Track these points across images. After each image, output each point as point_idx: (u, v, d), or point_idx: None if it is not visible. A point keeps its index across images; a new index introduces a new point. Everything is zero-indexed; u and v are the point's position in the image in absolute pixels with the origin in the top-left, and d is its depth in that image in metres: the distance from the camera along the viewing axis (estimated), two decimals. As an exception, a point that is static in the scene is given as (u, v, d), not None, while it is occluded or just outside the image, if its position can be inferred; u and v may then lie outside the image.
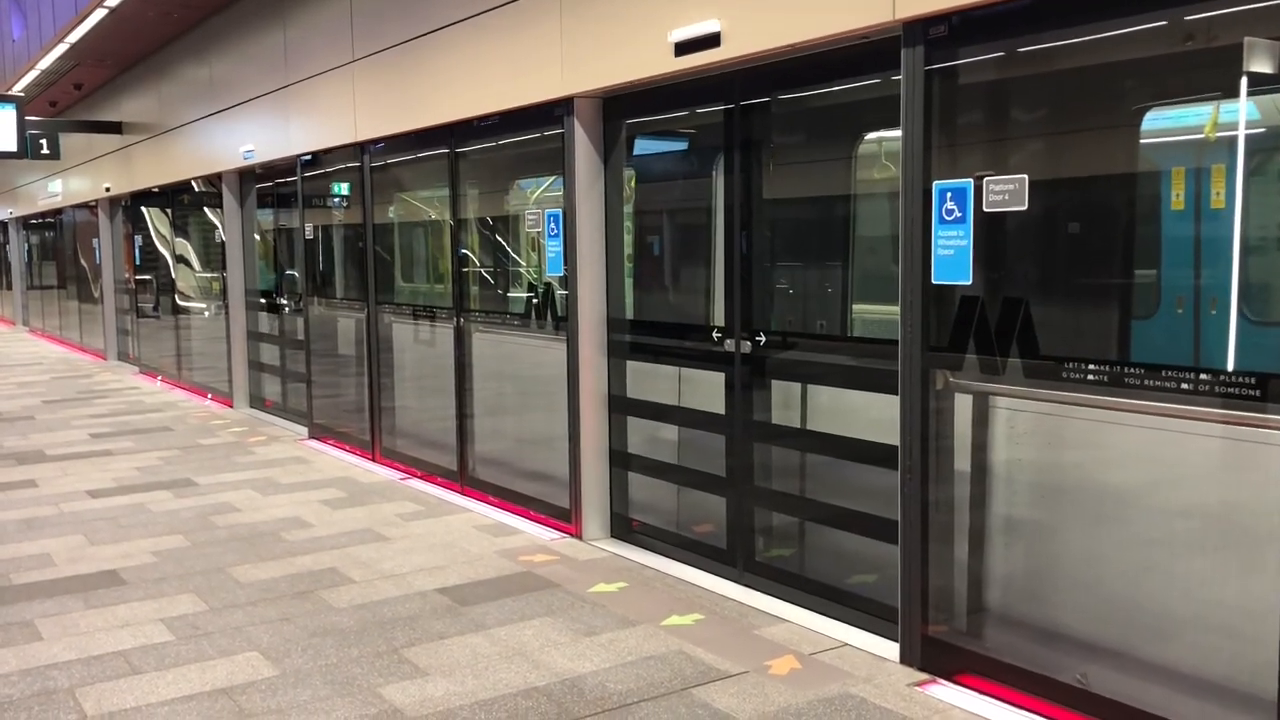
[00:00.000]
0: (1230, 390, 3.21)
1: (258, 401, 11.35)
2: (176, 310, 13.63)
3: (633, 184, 6.12)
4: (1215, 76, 3.52)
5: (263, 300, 11.05)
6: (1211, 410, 3.27)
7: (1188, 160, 3.81)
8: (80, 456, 8.79)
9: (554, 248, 6.19)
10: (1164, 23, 3.44)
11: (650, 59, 5.20)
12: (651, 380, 5.91)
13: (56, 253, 21.23)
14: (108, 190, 15.40)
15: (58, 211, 19.97)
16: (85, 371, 15.45)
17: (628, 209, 6.08)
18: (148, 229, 14.69)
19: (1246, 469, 3.37)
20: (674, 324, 5.87)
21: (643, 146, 6.12)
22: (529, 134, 6.51)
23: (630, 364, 5.99)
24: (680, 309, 6.10)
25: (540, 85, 5.99)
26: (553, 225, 6.18)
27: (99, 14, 10.72)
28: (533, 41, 6.02)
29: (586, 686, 4.08)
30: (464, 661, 4.34)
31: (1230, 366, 3.60)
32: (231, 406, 11.52)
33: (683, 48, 4.98)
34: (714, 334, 5.29)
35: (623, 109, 5.84)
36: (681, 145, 6.13)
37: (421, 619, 4.84)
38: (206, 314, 12.64)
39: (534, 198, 6.86)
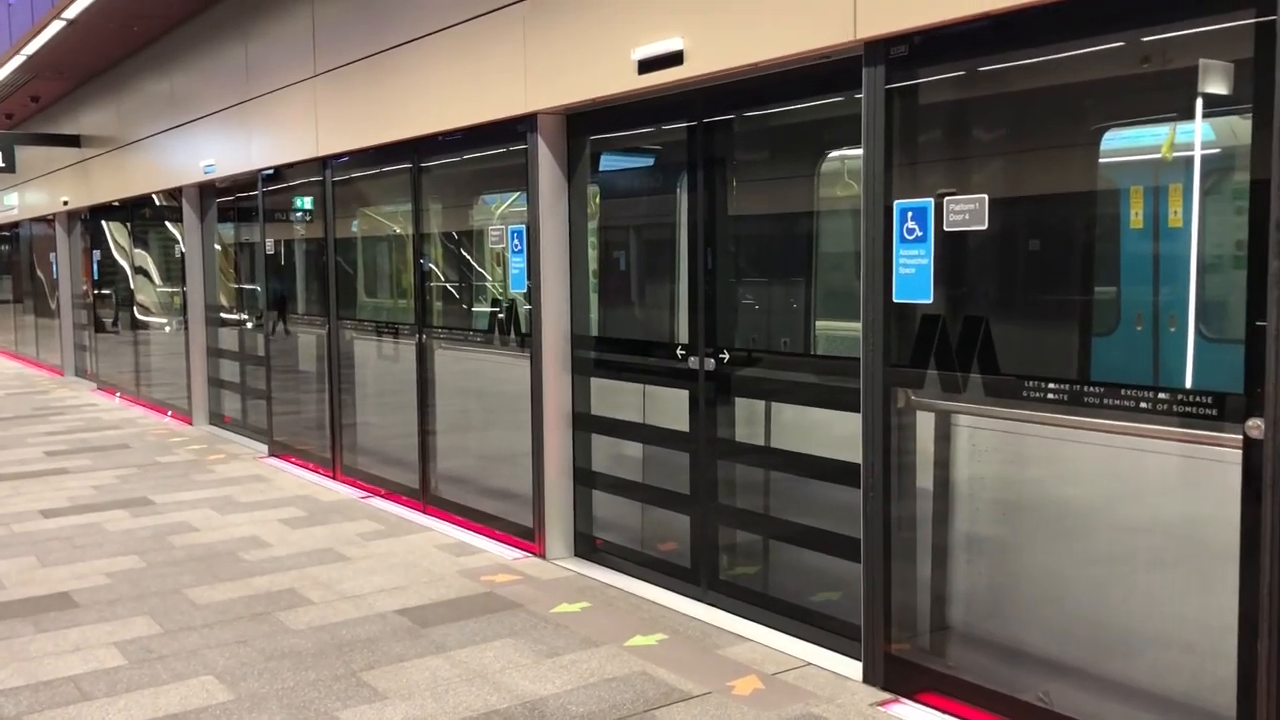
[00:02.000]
0: (1187, 409, 3.23)
1: (217, 418, 11.21)
2: (136, 325, 13.45)
3: (597, 200, 6.10)
4: (1172, 98, 3.56)
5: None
6: (1169, 429, 3.29)
7: (1146, 179, 3.85)
8: (34, 475, 8.63)
9: (518, 264, 6.16)
10: (1121, 44, 3.47)
11: (613, 77, 5.19)
12: (615, 397, 5.88)
13: (12, 266, 20.90)
14: (65, 204, 15.20)
15: (14, 225, 19.67)
16: (41, 388, 15.20)
17: (592, 225, 6.06)
18: (107, 243, 14.50)
19: (1204, 486, 3.39)
20: (638, 341, 5.85)
21: (607, 163, 6.11)
22: (493, 149, 6.48)
23: (594, 381, 5.96)
24: (645, 325, 6.08)
25: (504, 101, 5.97)
26: (516, 241, 6.15)
27: (56, 26, 10.58)
28: (496, 58, 6.00)
29: (548, 709, 4.03)
30: (423, 684, 4.28)
31: (1188, 384, 3.63)
32: (191, 424, 11.37)
33: (646, 65, 4.98)
34: (678, 351, 5.28)
35: (586, 125, 5.83)
36: (646, 162, 6.12)
37: (381, 641, 4.77)
38: (167, 329, 12.48)
39: (498, 213, 6.82)
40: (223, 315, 11.13)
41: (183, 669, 4.48)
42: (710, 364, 5.09)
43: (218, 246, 11.25)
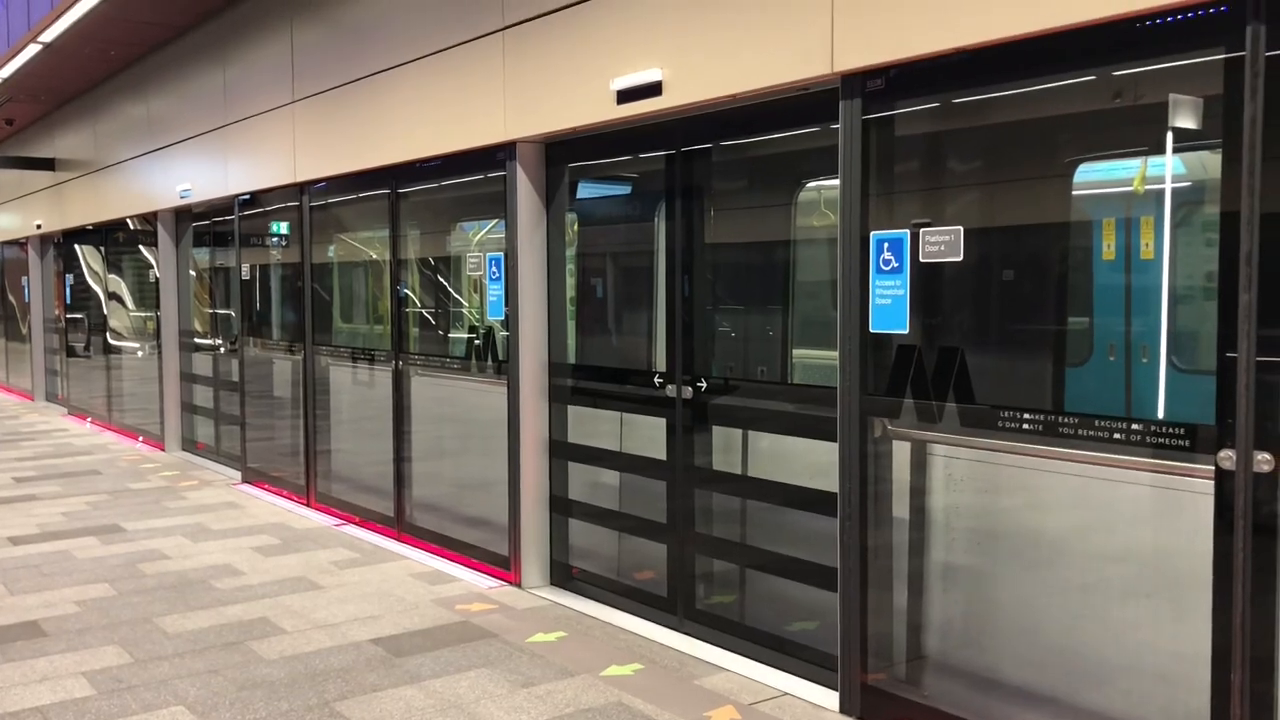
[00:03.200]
0: (1160, 440, 3.26)
1: (190, 444, 11.11)
2: (108, 350, 13.34)
3: (575, 228, 6.12)
4: (1143, 132, 3.61)
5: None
6: (1142, 460, 3.32)
7: (1118, 212, 3.90)
8: (2, 502, 8.51)
9: (495, 291, 6.16)
10: (1093, 78, 3.53)
11: (593, 106, 5.22)
12: (593, 425, 5.87)
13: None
14: (39, 227, 15.09)
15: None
16: (11, 413, 15.03)
17: (570, 252, 6.07)
18: (80, 267, 14.40)
19: (1177, 516, 3.41)
20: (616, 369, 5.85)
21: (585, 191, 6.13)
22: (471, 177, 6.49)
23: (572, 408, 5.95)
24: (622, 353, 6.08)
25: (483, 129, 5.99)
26: (494, 268, 6.15)
27: (33, 49, 10.54)
28: (476, 86, 6.02)
29: (523, 740, 4.00)
30: (397, 715, 4.23)
31: (1160, 414, 3.67)
32: (163, 449, 11.26)
33: (625, 96, 5.01)
34: (655, 379, 5.28)
35: (565, 154, 5.85)
36: (624, 190, 6.14)
37: (354, 671, 4.72)
38: (140, 354, 12.38)
39: (476, 240, 6.83)
40: (196, 340, 11.05)
41: (153, 699, 4.42)
42: (688, 392, 5.09)
43: (192, 271, 11.19)
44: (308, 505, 8.29)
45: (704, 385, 5.04)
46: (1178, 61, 3.29)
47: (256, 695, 4.45)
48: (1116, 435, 3.35)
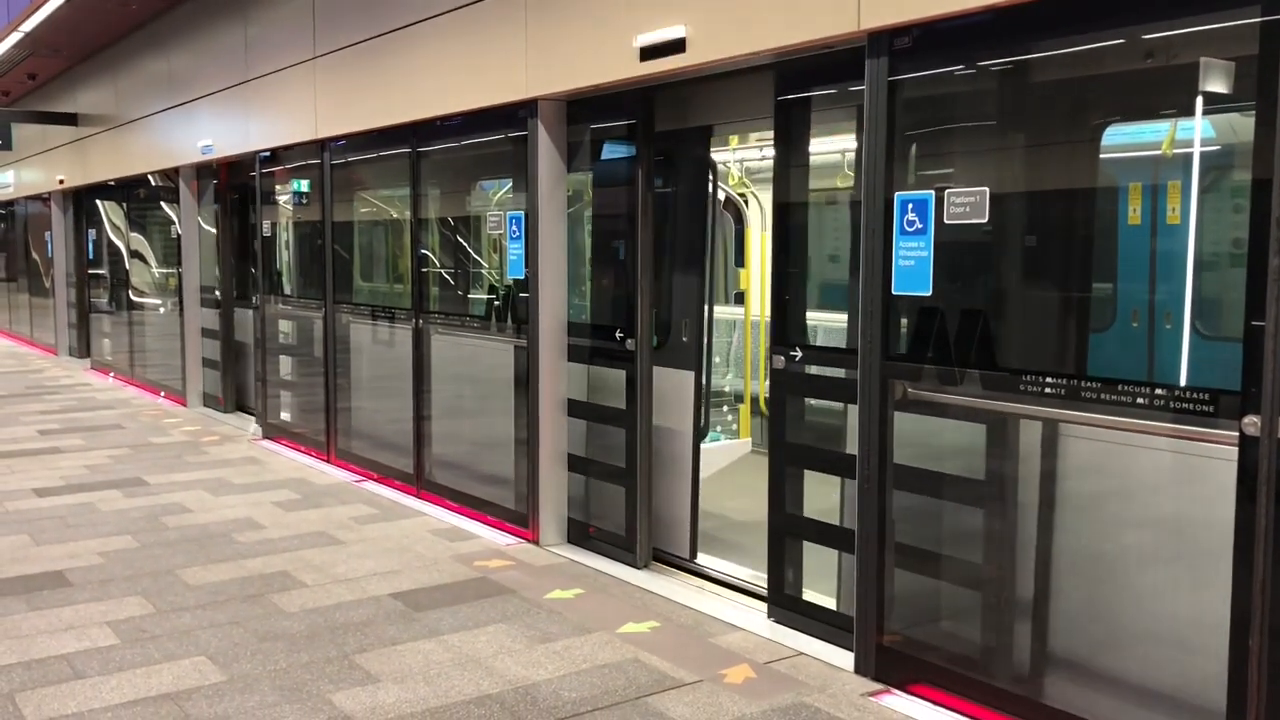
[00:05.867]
0: (1184, 405, 3.24)
1: (212, 400, 11.20)
2: (130, 305, 13.42)
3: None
4: (1173, 95, 3.56)
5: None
6: (1165, 425, 3.30)
7: (1145, 176, 3.85)
8: (28, 454, 8.62)
9: (515, 250, 6.15)
10: (1123, 40, 3.47)
11: (615, 63, 5.17)
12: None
13: (7, 245, 20.82)
14: (61, 182, 15.14)
15: (9, 203, 19.60)
16: (35, 367, 15.17)
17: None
18: (102, 222, 14.46)
19: (1199, 482, 3.40)
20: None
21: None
22: (492, 135, 6.46)
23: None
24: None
25: (504, 86, 5.95)
26: (514, 228, 6.14)
27: (55, 2, 10.52)
28: (497, 42, 5.98)
29: (540, 695, 4.04)
30: (416, 668, 4.29)
31: (1183, 381, 3.64)
32: (185, 405, 11.35)
33: (648, 53, 4.96)
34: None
35: (587, 112, 5.81)
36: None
37: (374, 624, 4.78)
38: (161, 310, 12.45)
39: (496, 199, 6.81)
40: (218, 297, 11.09)
41: (175, 649, 4.48)
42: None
43: (213, 229, 11.21)
44: (328, 461, 8.35)
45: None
46: (1212, 24, 3.23)
47: (277, 647, 4.51)
48: (1140, 400, 3.33)
